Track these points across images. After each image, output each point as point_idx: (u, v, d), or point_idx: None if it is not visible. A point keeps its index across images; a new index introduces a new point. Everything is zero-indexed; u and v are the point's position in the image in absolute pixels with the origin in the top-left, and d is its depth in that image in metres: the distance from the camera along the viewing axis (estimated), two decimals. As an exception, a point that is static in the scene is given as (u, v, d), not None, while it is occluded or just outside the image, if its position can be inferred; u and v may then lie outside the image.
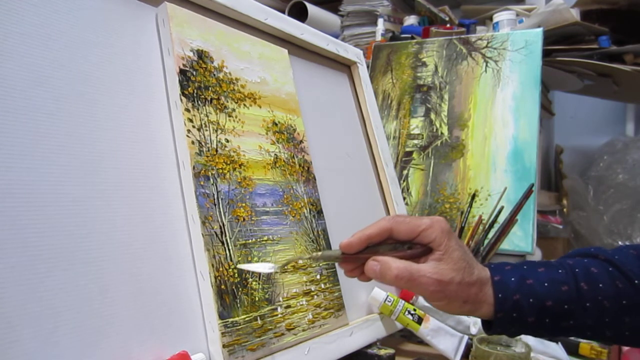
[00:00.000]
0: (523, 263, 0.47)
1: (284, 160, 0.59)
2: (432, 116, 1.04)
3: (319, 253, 0.46)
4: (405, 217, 0.45)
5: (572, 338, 0.73)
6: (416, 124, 1.05)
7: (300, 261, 0.55)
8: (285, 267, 0.53)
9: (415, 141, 1.03)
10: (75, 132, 0.41)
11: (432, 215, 0.46)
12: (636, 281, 0.43)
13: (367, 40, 1.42)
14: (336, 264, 0.46)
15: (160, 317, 0.43)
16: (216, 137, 0.51)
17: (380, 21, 1.38)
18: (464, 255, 0.44)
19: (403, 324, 0.64)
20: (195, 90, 0.51)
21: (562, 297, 0.43)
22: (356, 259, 0.45)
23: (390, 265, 0.42)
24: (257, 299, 0.49)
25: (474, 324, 0.68)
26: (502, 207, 0.82)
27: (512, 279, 0.44)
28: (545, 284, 0.44)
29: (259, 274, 0.50)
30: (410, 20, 1.38)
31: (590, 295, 0.43)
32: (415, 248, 0.45)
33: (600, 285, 0.44)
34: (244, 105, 0.56)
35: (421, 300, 0.69)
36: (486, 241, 0.79)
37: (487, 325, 0.47)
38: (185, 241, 0.47)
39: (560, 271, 0.45)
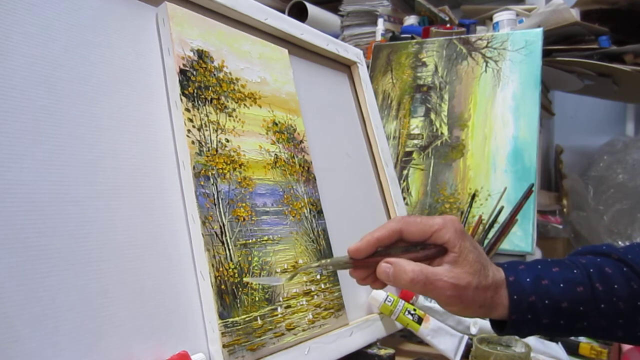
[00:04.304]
0: (536, 262, 0.45)
1: (284, 160, 0.59)
2: (432, 116, 1.04)
3: (327, 260, 0.43)
4: (416, 217, 0.43)
5: (572, 338, 0.73)
6: (416, 124, 1.05)
7: (309, 269, 0.53)
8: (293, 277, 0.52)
9: (415, 141, 1.03)
10: (75, 132, 0.41)
11: (443, 215, 0.45)
12: None
13: (367, 40, 1.42)
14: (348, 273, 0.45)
15: (160, 317, 0.43)
16: (216, 137, 0.51)
17: (380, 21, 1.38)
18: (478, 257, 0.42)
19: (403, 324, 0.64)
20: (195, 90, 0.51)
21: (577, 298, 0.42)
22: (367, 264, 0.42)
23: (404, 268, 0.40)
24: (257, 299, 0.49)
25: (474, 324, 0.68)
26: (502, 207, 0.82)
27: (527, 279, 0.43)
28: (561, 285, 0.42)
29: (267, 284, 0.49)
30: (410, 20, 1.38)
31: (605, 296, 0.42)
32: (428, 249, 0.42)
33: (615, 286, 0.42)
34: (244, 105, 0.56)
35: (421, 300, 0.69)
36: (486, 241, 0.79)
37: (499, 326, 0.45)
38: (185, 241, 0.47)
39: (575, 271, 0.43)
